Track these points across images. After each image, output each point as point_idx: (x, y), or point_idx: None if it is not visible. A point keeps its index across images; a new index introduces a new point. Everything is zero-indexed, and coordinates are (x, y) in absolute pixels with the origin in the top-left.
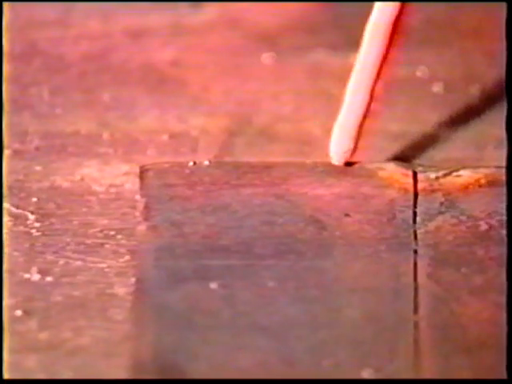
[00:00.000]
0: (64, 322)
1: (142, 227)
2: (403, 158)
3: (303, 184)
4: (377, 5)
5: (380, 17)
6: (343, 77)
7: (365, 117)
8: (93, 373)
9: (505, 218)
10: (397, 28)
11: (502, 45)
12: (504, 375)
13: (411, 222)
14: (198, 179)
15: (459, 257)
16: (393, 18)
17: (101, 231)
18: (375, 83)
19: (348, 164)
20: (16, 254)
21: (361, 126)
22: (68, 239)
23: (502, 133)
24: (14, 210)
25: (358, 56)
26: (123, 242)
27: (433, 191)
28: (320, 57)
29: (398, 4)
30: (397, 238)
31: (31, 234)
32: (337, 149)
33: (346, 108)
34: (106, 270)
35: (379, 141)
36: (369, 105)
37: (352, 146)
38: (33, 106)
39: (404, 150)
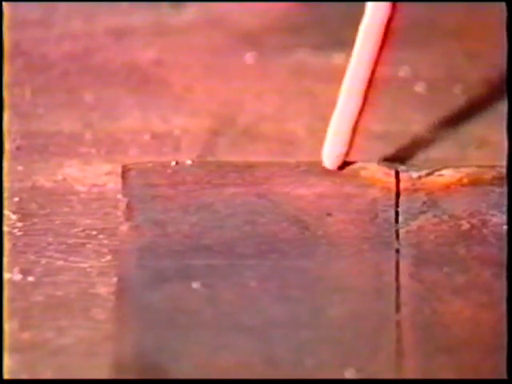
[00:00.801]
0: (46, 321)
1: (124, 227)
2: (386, 157)
3: (286, 184)
4: (369, 6)
5: (372, 19)
6: (326, 76)
7: (358, 120)
8: (75, 372)
9: (505, 217)
10: (389, 29)
11: (485, 45)
12: (504, 375)
13: (393, 221)
14: (180, 179)
15: (441, 256)
16: (385, 19)
17: (83, 231)
18: (368, 86)
19: (341, 168)
20: None
21: (354, 129)
22: (50, 239)
23: (485, 132)
24: None
25: (351, 59)
26: (105, 241)
27: (415, 191)
28: (303, 56)
29: (390, 5)
30: (379, 238)
31: (13, 233)
32: (330, 152)
33: (339, 111)
34: (88, 269)
35: (362, 140)
36: (362, 108)
37: (345, 149)
38: (15, 106)
39: (387, 149)
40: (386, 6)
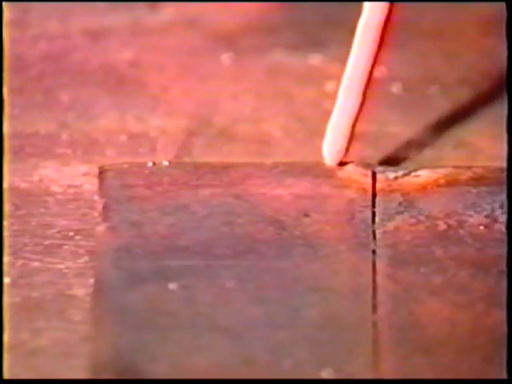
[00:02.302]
0: (22, 323)
1: (101, 228)
2: (362, 158)
3: (262, 184)
4: (366, 5)
5: (370, 17)
6: (302, 77)
7: (357, 117)
8: (52, 374)
9: (505, 217)
10: (387, 28)
11: (461, 45)
12: (504, 375)
13: (370, 222)
14: (157, 180)
15: (418, 256)
16: (383, 18)
17: (59, 232)
18: (367, 83)
19: (341, 164)
20: None
21: (353, 126)
22: (26, 240)
23: (461, 133)
24: None
25: (350, 56)
26: (82, 242)
27: (391, 191)
28: (279, 57)
29: (387, 4)
30: (356, 238)
31: None
32: (330, 149)
33: (339, 108)
34: (65, 270)
35: None
36: (361, 105)
37: (345, 145)
38: None
39: (363, 150)
40: (384, 5)
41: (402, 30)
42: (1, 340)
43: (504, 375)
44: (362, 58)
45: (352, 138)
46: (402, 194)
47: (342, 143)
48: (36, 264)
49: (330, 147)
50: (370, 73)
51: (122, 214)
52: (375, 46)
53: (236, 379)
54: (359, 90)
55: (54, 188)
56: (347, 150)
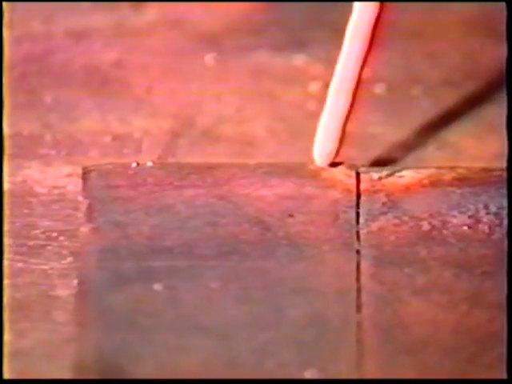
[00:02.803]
0: (6, 324)
1: (85, 229)
2: (346, 158)
3: (246, 185)
4: (356, 5)
5: (360, 18)
6: (286, 77)
7: (347, 118)
8: (36, 375)
9: (508, 217)
10: (376, 28)
11: (445, 45)
12: (504, 375)
13: (354, 222)
14: (141, 180)
15: (402, 257)
16: (373, 18)
17: (43, 233)
18: (357, 84)
19: (332, 165)
20: None
21: (344, 127)
22: (10, 241)
23: (444, 133)
24: None
25: (340, 57)
26: (66, 243)
27: (375, 192)
28: (263, 57)
29: (377, 4)
30: (340, 239)
31: None
32: (320, 150)
33: (329, 109)
34: (49, 271)
35: None
36: (351, 106)
37: (335, 147)
38: None
39: (347, 150)
40: (374, 5)
41: (385, 30)
42: (1, 340)
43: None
44: (352, 59)
45: (343, 139)
46: (386, 195)
47: (332, 145)
48: (20, 265)
49: (321, 149)
50: (360, 74)
51: (106, 215)
52: (365, 47)
53: (220, 379)
54: (349, 91)
55: (38, 189)
56: (338, 151)
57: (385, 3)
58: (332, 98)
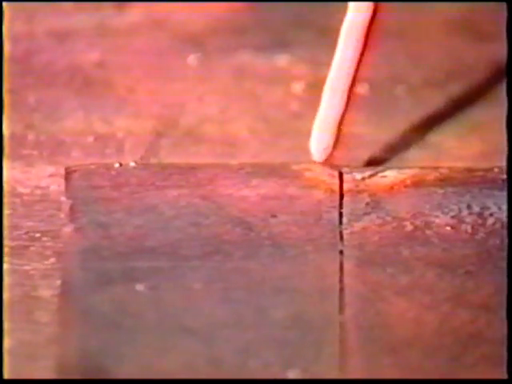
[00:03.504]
0: None
1: (67, 229)
2: (329, 158)
3: (229, 185)
4: (351, 4)
5: (355, 16)
6: (269, 78)
7: (344, 114)
8: (18, 375)
9: (507, 217)
10: (372, 26)
11: (427, 46)
12: (504, 375)
13: (337, 222)
14: (124, 181)
15: (385, 257)
16: (368, 16)
17: (26, 233)
18: (353, 80)
19: (328, 160)
20: None
21: (340, 123)
22: None
23: (427, 134)
24: None
25: (335, 53)
26: (49, 244)
27: (359, 192)
28: (246, 58)
29: (372, 3)
30: (323, 239)
31: None
32: (317, 146)
33: (325, 106)
34: (32, 272)
35: (305, 141)
36: (347, 102)
37: (332, 142)
38: None
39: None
40: (368, 4)
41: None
42: (1, 340)
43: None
44: (348, 55)
45: (339, 135)
46: (369, 195)
47: (328, 140)
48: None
49: (317, 144)
50: (356, 70)
51: (88, 215)
52: (361, 44)
53: (203, 379)
54: (345, 88)
55: (21, 189)
56: (334, 147)
57: (379, 3)
58: (328, 95)
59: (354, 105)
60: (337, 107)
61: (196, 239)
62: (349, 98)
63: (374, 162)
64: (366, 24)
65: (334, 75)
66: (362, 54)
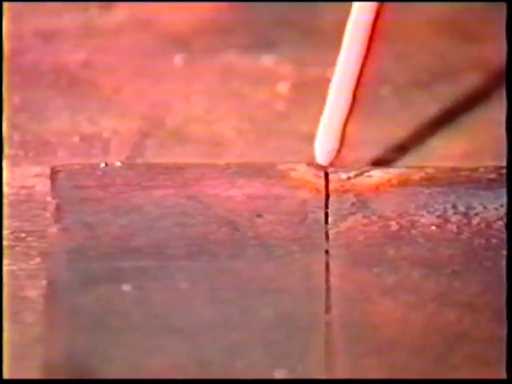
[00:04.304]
0: None
1: (53, 229)
2: (315, 158)
3: (215, 185)
4: (355, 5)
5: (359, 17)
6: (255, 78)
7: (348, 116)
8: (5, 376)
9: (507, 217)
10: (376, 27)
11: (413, 46)
12: (504, 375)
13: (323, 222)
14: (109, 181)
15: (371, 257)
16: (372, 17)
17: (11, 233)
18: (358, 82)
19: (332, 163)
20: None
21: (345, 125)
22: None
23: (412, 133)
24: None
25: (340, 54)
26: (34, 244)
27: (344, 192)
28: (231, 58)
29: (376, 4)
30: (309, 239)
31: None
32: (322, 148)
33: (330, 108)
34: (17, 272)
35: (291, 142)
36: (352, 104)
37: (337, 145)
38: None
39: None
40: (373, 5)
41: None
42: (1, 340)
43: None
44: (352, 57)
45: (344, 137)
46: (355, 195)
47: (333, 143)
48: None
49: (322, 147)
50: (361, 72)
51: (74, 215)
52: (365, 45)
53: (190, 379)
54: (349, 90)
55: (6, 189)
56: (339, 150)
57: (383, 3)
58: (332, 97)
59: None
60: (341, 109)
61: (182, 239)
62: (353, 99)
63: (359, 162)
64: (370, 25)
65: (338, 77)
66: (366, 56)
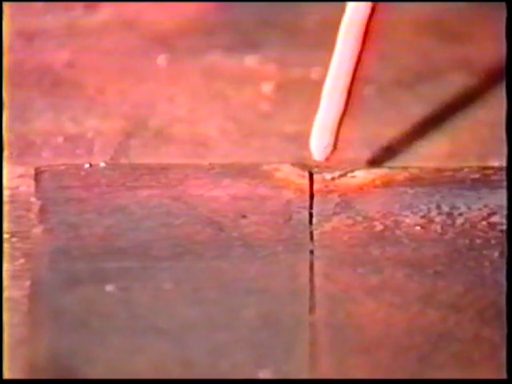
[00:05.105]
0: None
1: (37, 230)
2: (299, 159)
3: (200, 185)
4: (350, 4)
5: (353, 15)
6: (238, 78)
7: (343, 113)
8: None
9: (507, 217)
10: (370, 25)
11: (396, 46)
12: (504, 375)
13: (307, 222)
14: (94, 181)
15: (355, 257)
16: (366, 16)
17: None
18: (352, 79)
19: (328, 159)
20: None
21: (340, 121)
22: None
23: (396, 134)
24: None
25: (335, 52)
26: (18, 244)
27: (328, 192)
28: (215, 58)
29: (369, 4)
30: (293, 239)
31: None
32: (317, 144)
33: (325, 104)
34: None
35: (275, 142)
36: (347, 100)
37: (332, 141)
38: None
39: (300, 151)
40: (366, 4)
41: (337, 31)
42: (1, 340)
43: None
44: (347, 53)
45: (339, 133)
46: (339, 195)
47: (329, 139)
48: None
49: (318, 143)
50: (355, 68)
51: (58, 216)
52: (359, 42)
53: (174, 379)
54: (344, 86)
55: None
56: (335, 145)
57: (376, 3)
58: (327, 94)
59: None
60: (336, 106)
61: (167, 239)
62: (348, 97)
63: (343, 162)
64: (364, 23)
65: (333, 74)
66: (360, 52)
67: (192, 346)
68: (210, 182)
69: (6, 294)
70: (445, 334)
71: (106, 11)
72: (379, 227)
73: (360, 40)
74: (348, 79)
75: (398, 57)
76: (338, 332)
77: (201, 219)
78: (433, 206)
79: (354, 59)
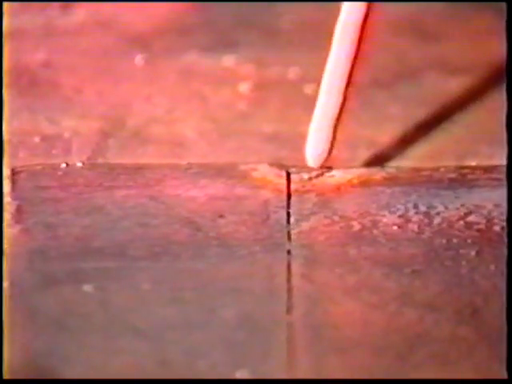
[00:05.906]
0: None
1: (14, 230)
2: (276, 158)
3: (177, 186)
4: (345, 5)
5: (348, 17)
6: (216, 78)
7: (339, 118)
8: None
9: (507, 217)
10: (365, 28)
11: (374, 46)
12: (505, 374)
13: (285, 222)
14: (71, 181)
15: (332, 257)
16: (361, 18)
17: None
18: (347, 84)
19: (323, 165)
20: None
21: (335, 127)
22: None
23: (373, 133)
24: None
25: (329, 57)
26: None
27: (306, 192)
28: (192, 58)
29: (365, 4)
30: (271, 239)
31: None
32: (312, 151)
33: (320, 110)
34: None
35: (252, 142)
36: (342, 106)
37: (327, 147)
38: None
39: (277, 150)
40: (362, 5)
41: (315, 31)
42: (1, 340)
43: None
44: (342, 59)
45: (334, 139)
46: (317, 195)
47: (324, 145)
48: None
49: (313, 149)
50: (350, 73)
51: (35, 216)
52: (354, 46)
53: (151, 379)
54: (339, 92)
55: None
56: (330, 151)
57: (372, 3)
58: (322, 99)
59: (300, 105)
60: (331, 111)
61: (144, 240)
62: (343, 102)
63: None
64: (360, 25)
65: (327, 80)
66: (355, 56)
67: (169, 346)
68: (187, 182)
69: None
70: (422, 333)
71: (82, 11)
72: (357, 227)
73: (355, 43)
74: (343, 86)
75: (375, 57)
76: (315, 332)
77: (178, 219)
78: (410, 206)
79: (349, 63)
